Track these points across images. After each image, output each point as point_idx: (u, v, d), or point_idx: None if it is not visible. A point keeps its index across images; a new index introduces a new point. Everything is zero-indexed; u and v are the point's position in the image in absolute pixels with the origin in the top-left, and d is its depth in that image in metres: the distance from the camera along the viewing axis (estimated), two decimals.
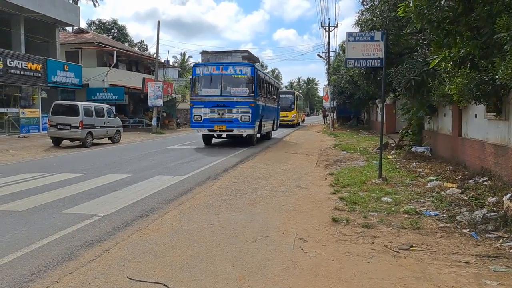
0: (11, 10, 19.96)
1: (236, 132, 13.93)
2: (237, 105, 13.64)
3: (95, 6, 39.36)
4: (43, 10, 21.18)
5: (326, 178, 7.52)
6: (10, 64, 19.22)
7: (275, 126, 19.89)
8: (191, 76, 15.64)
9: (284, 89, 52.44)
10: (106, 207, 5.33)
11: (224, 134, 15.20)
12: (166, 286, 2.88)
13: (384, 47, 7.11)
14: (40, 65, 20.99)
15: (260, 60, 71.02)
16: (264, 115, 15.89)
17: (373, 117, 26.59)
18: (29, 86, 21.10)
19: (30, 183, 7.19)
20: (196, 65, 15.60)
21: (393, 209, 5.05)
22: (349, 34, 7.38)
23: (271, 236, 4.06)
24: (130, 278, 3.01)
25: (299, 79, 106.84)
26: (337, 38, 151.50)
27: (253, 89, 13.97)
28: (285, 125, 30.69)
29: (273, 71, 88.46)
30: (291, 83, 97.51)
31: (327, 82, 34.34)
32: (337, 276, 3.07)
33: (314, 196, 5.96)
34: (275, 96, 19.76)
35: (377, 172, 7.29)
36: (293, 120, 32.78)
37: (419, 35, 9.21)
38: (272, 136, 19.84)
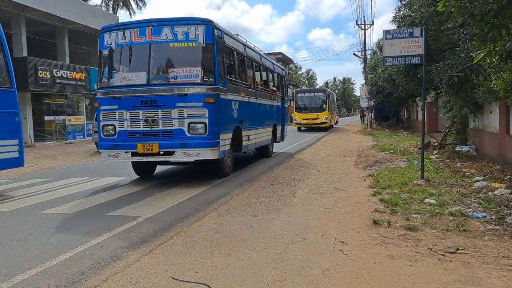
0: (57, 22, 21.03)
1: (179, 155, 7.01)
2: (180, 102, 6.88)
3: (130, 16, 40.62)
4: (85, 22, 22.18)
5: (365, 180, 7.38)
6: (56, 74, 20.25)
7: (278, 134, 12.76)
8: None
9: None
10: (149, 209, 5.50)
11: (156, 160, 7.45)
12: (208, 286, 2.94)
13: (424, 44, 6.90)
14: (84, 74, 21.96)
15: (295, 62, 70.80)
16: (248, 118, 9.10)
17: (413, 116, 25.80)
18: (73, 94, 22.15)
19: (77, 187, 7.54)
20: (105, 28, 7.61)
21: (437, 211, 4.89)
22: (386, 32, 7.23)
23: (310, 238, 4.04)
24: (173, 278, 3.10)
25: (334, 79, 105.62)
26: (374, 36, 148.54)
27: (213, 68, 7.16)
28: (316, 128, 27.11)
29: (307, 71, 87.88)
30: (326, 83, 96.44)
31: (364, 81, 33.73)
32: (380, 279, 3.01)
33: (353, 198, 5.87)
34: (275, 88, 12.56)
35: (419, 173, 7.08)
36: (325, 122, 27.52)
37: (461, 30, 8.89)
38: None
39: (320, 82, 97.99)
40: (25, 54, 19.49)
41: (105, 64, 7.80)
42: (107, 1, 39.89)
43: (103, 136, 7.33)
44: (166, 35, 7.13)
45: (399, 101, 24.92)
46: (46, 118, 21.11)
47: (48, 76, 19.72)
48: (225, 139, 7.53)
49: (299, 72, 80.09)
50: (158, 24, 7.21)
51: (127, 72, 7.59)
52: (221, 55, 7.44)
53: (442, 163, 8.90)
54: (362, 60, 37.29)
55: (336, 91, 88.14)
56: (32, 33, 20.08)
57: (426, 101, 7.03)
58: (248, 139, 9.21)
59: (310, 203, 5.65)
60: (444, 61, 8.48)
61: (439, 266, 3.26)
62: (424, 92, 7.40)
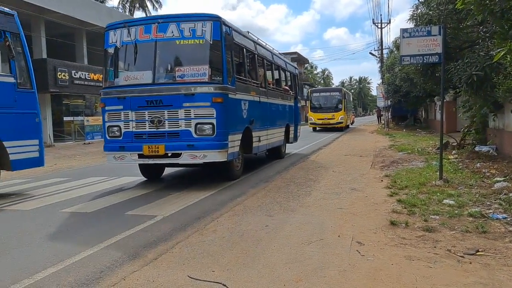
0: (75, 24, 21.42)
1: (186, 158, 6.73)
2: (186, 102, 6.63)
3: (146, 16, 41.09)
4: (102, 23, 22.46)
5: (382, 180, 7.31)
6: (75, 75, 20.63)
7: (291, 135, 12.47)
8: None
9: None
10: (165, 209, 5.55)
11: (162, 162, 7.11)
12: (225, 285, 2.95)
13: (442, 42, 6.79)
14: (101, 75, 22.31)
15: (310, 61, 70.51)
16: (259, 118, 8.82)
17: (431, 115, 25.42)
18: (92, 95, 22.51)
19: (96, 186, 7.67)
20: (110, 26, 7.39)
21: (456, 212, 4.81)
22: (403, 30, 7.14)
23: (327, 239, 4.02)
24: (190, 277, 3.13)
25: (350, 78, 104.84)
26: (390, 34, 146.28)
27: (221, 67, 6.93)
28: (331, 129, 26.62)
29: (323, 71, 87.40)
30: (342, 83, 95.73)
31: (381, 80, 33.37)
32: (397, 281, 2.98)
33: (370, 199, 5.82)
34: (287, 87, 12.26)
35: (438, 173, 6.97)
36: (341, 122, 27.04)
37: (480, 27, 8.71)
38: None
39: (336, 82, 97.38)
40: (44, 56, 19.92)
41: (110, 63, 7.57)
42: (124, 3, 40.48)
43: (108, 138, 7.13)
44: (172, 32, 6.85)
45: (417, 101, 24.57)
46: (65, 118, 21.54)
47: (67, 77, 20.11)
48: (234, 140, 7.21)
49: (315, 72, 79.82)
50: (164, 20, 6.96)
51: (133, 71, 7.31)
52: (230, 52, 7.17)
53: (461, 164, 8.74)
54: (378, 59, 36.87)
55: (352, 91, 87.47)
56: (51, 35, 20.51)
57: (445, 100, 6.91)
58: (259, 140, 8.83)
59: (326, 203, 5.62)
60: (463, 59, 8.31)
61: (458, 268, 3.20)
62: (442, 91, 7.28)
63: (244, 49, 8.42)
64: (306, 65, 66.69)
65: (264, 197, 6.18)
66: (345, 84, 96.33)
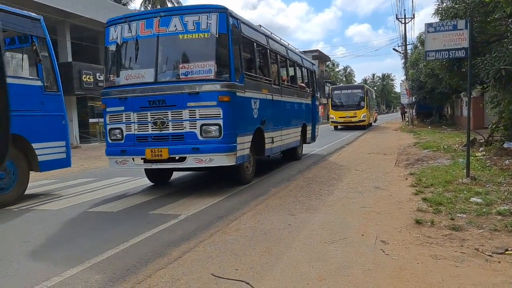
0: (99, 28, 21.86)
1: (191, 162, 6.26)
2: (191, 101, 6.17)
3: None
4: None
5: (406, 178, 7.18)
6: (99, 78, 21.06)
7: (309, 135, 11.81)
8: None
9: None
10: (189, 208, 5.62)
11: (166, 166, 6.69)
12: (248, 284, 2.97)
13: (468, 36, 6.62)
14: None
15: (332, 59, 69.87)
16: (272, 118, 8.21)
17: (457, 112, 24.80)
18: None
19: (121, 186, 7.83)
20: (111, 21, 6.96)
21: (484, 210, 4.68)
22: (428, 25, 6.99)
23: (350, 238, 3.98)
24: (214, 275, 3.16)
25: (373, 75, 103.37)
26: (414, 30, 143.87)
27: (228, 62, 6.37)
28: (353, 127, 25.93)
29: (345, 68, 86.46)
30: (364, 80, 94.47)
31: (405, 77, 32.78)
32: (423, 280, 2.92)
33: (394, 197, 5.73)
34: (303, 85, 11.39)
35: (464, 171, 6.80)
36: (363, 120, 26.27)
37: (509, 20, 8.44)
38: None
39: (358, 79, 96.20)
40: (69, 59, 20.42)
41: (112, 62, 7.13)
42: (145, 5, 41.08)
43: (110, 141, 6.73)
44: (175, 26, 6.34)
45: (442, 97, 24.01)
46: (91, 120, 22.07)
47: (92, 80, 20.57)
48: (244, 142, 6.69)
49: (336, 69, 79.04)
50: (166, 14, 6.50)
51: (134, 69, 6.84)
52: (238, 47, 6.64)
53: (489, 161, 8.50)
54: (402, 55, 36.26)
55: (375, 88, 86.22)
56: (75, 38, 21.01)
57: (472, 96, 6.72)
58: (272, 142, 8.24)
59: (349, 202, 5.57)
60: (490, 53, 8.08)
61: (487, 267, 3.12)
62: (469, 87, 7.09)
63: (255, 44, 7.81)
64: (327, 62, 66.11)
65: (286, 196, 6.17)
66: (368, 81, 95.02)
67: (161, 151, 6.25)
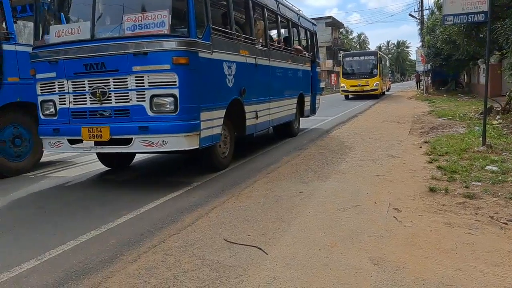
0: None
1: (138, 145, 4.85)
2: (137, 65, 4.73)
3: None
4: None
5: (421, 147, 7.09)
6: None
7: (307, 107, 10.29)
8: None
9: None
10: (202, 175, 5.65)
11: (107, 150, 5.26)
12: (260, 249, 3.00)
13: None
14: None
15: (345, 26, 68.13)
16: (255, 87, 6.82)
17: (474, 79, 24.19)
18: None
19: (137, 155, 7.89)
20: None
21: (499, 178, 4.61)
22: None
23: (362, 205, 3.97)
24: (227, 241, 3.19)
25: (388, 42, 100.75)
26: None
27: (187, 13, 4.87)
28: (365, 96, 24.47)
29: (359, 36, 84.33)
30: (379, 47, 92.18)
31: (420, 44, 31.89)
32: (436, 247, 2.91)
33: (408, 165, 5.67)
34: (299, 48, 9.77)
35: (480, 139, 6.67)
36: (376, 89, 24.69)
37: None
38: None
39: (372, 47, 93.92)
40: None
41: (41, 13, 5.62)
42: None
43: (42, 117, 5.36)
44: None
45: (459, 64, 23.37)
46: None
47: None
48: (212, 118, 5.28)
49: (350, 37, 77.14)
50: None
51: (67, 23, 5.48)
52: None
53: (505, 129, 8.32)
54: (418, 21, 35.11)
55: (390, 56, 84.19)
56: None
57: (490, 63, 6.48)
58: (256, 116, 6.78)
59: (361, 170, 5.54)
60: (510, 18, 7.75)
61: (501, 235, 3.09)
62: (488, 53, 6.85)
63: None
64: (341, 29, 64.49)
65: (298, 164, 6.16)
66: (382, 49, 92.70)
67: (100, 131, 4.84)
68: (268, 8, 7.75)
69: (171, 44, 4.69)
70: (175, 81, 4.67)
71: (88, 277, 2.70)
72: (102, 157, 6.37)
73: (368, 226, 3.39)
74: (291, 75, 8.92)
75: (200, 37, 5.00)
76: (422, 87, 30.64)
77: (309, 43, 10.83)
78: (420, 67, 29.41)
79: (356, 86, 25.11)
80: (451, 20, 6.80)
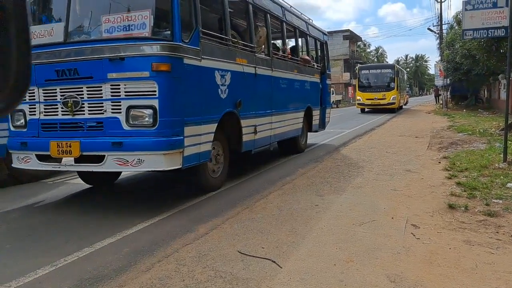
0: None
1: (111, 163, 4.19)
2: (113, 71, 4.17)
3: None
4: None
5: (439, 162, 6.96)
6: None
7: (316, 121, 9.60)
8: None
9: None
10: None
11: (77, 169, 4.96)
12: (274, 262, 2.96)
13: (509, 14, 6.24)
14: None
15: (363, 39, 68.05)
16: (254, 99, 6.22)
17: (494, 95, 23.73)
18: None
19: None
20: None
21: None
22: (466, 2, 6.65)
23: (379, 220, 3.90)
24: (240, 252, 3.16)
25: (406, 56, 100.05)
26: (451, 9, 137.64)
27: (171, 13, 4.25)
28: (382, 110, 23.76)
29: (377, 49, 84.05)
30: (397, 61, 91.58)
31: (439, 58, 31.57)
32: (455, 266, 2.83)
33: (426, 181, 5.56)
34: (307, 58, 9.04)
35: (501, 155, 6.51)
36: (393, 103, 24.03)
37: None
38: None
39: (390, 60, 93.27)
40: None
41: None
42: None
43: (12, 128, 4.79)
44: None
45: (479, 79, 22.98)
46: None
47: None
48: (199, 133, 4.64)
49: (368, 50, 76.98)
50: None
51: (41, 24, 4.82)
52: None
53: None
54: (437, 35, 34.81)
55: (408, 69, 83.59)
56: None
57: (511, 78, 6.35)
58: (255, 131, 6.13)
59: (378, 184, 5.46)
60: None
61: None
62: (508, 68, 6.71)
63: None
64: (358, 43, 64.41)
65: (314, 177, 6.10)
66: (401, 62, 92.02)
67: (70, 146, 4.27)
68: (271, 14, 7.15)
69: (150, 48, 4.15)
70: (155, 91, 4.10)
71: (101, 285, 2.71)
72: (80, 172, 5.64)
73: (385, 242, 3.32)
74: (297, 87, 8.32)
75: (187, 41, 4.41)
76: (441, 102, 30.24)
77: (319, 54, 10.21)
78: (439, 82, 29.05)
79: (372, 99, 24.61)
80: (470, 34, 6.73)
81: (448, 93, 29.28)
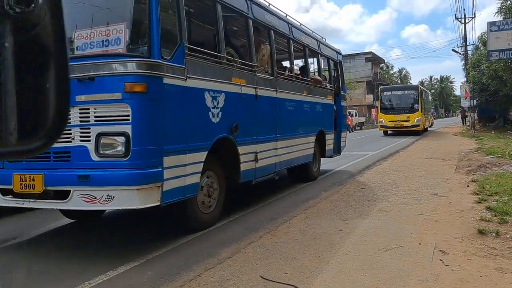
0: None
1: (78, 200, 3.58)
2: (81, 93, 3.60)
3: None
4: None
5: (468, 186, 6.76)
6: None
7: (330, 146, 8.92)
8: None
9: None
10: (239, 209, 5.64)
11: (40, 206, 4.07)
12: None
13: None
14: None
15: (386, 61, 67.80)
16: (254, 123, 5.60)
17: None
18: None
19: None
20: None
21: None
22: (491, 24, 6.63)
23: (406, 246, 3.79)
24: (263, 278, 3.13)
25: (431, 78, 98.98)
26: (475, 30, 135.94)
27: (148, 26, 3.70)
28: (406, 132, 22.95)
29: (400, 71, 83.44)
30: (421, 83, 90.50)
31: (465, 79, 31.09)
32: None
33: (454, 205, 5.40)
34: (318, 78, 8.56)
35: None
36: (417, 125, 23.19)
37: None
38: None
39: (414, 81, 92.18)
40: None
41: None
42: None
43: None
44: None
45: (507, 100, 22.46)
46: None
47: None
48: (184, 164, 4.04)
49: (391, 72, 76.49)
50: None
51: None
52: (174, 3, 4.10)
53: None
54: (462, 56, 34.39)
55: (433, 91, 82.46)
56: None
57: None
58: (256, 159, 5.54)
59: (404, 208, 5.33)
60: None
61: None
62: None
63: (219, 6, 4.95)
64: (381, 65, 64.17)
65: (338, 200, 6.02)
66: (425, 84, 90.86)
67: (33, 179, 3.73)
68: (276, 30, 6.58)
69: (123, 67, 3.64)
70: (128, 115, 3.57)
71: None
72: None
73: (412, 269, 3.21)
74: (307, 109, 7.66)
75: (168, 58, 3.85)
76: (468, 123, 29.57)
77: (333, 74, 9.58)
78: (465, 103, 28.53)
79: (395, 121, 23.91)
80: (496, 55, 6.68)
81: (475, 114, 28.62)
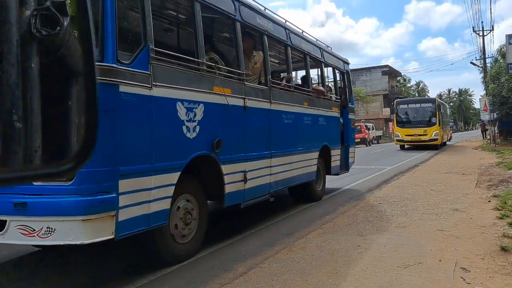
0: None
1: (15, 232, 2.95)
2: None
3: None
4: None
5: (489, 201, 6.59)
6: None
7: (336, 163, 8.12)
8: None
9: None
10: (254, 223, 5.62)
11: None
12: None
13: None
14: None
15: (403, 74, 67.32)
16: (245, 138, 4.98)
17: None
18: None
19: None
20: None
21: None
22: (510, 36, 6.57)
23: (426, 263, 3.71)
24: None
25: (449, 90, 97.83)
26: (494, 42, 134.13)
27: (102, 27, 3.01)
28: (423, 146, 22.49)
29: (417, 84, 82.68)
30: (440, 95, 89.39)
31: (484, 92, 30.61)
32: None
33: (475, 221, 5.27)
34: (321, 89, 7.67)
35: None
36: (435, 139, 22.44)
37: None
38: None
39: (432, 94, 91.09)
40: None
41: None
42: None
43: None
44: None
45: None
46: None
47: None
48: (148, 187, 3.43)
49: (408, 85, 75.88)
50: None
51: None
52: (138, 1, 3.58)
53: None
54: (481, 69, 33.93)
55: (451, 104, 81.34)
56: None
57: None
58: (245, 179, 4.86)
59: (424, 224, 5.22)
60: None
61: None
62: None
63: (198, 6, 4.27)
64: (398, 78, 63.76)
65: (355, 215, 5.95)
66: (443, 97, 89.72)
67: None
68: (270, 36, 5.89)
69: None
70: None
71: None
72: None
73: (433, 286, 3.14)
74: (308, 123, 6.92)
75: (127, 62, 3.30)
76: (488, 137, 28.98)
77: (340, 85, 8.89)
78: (485, 116, 28.00)
79: (412, 135, 23.24)
80: None
81: (496, 127, 28.05)
